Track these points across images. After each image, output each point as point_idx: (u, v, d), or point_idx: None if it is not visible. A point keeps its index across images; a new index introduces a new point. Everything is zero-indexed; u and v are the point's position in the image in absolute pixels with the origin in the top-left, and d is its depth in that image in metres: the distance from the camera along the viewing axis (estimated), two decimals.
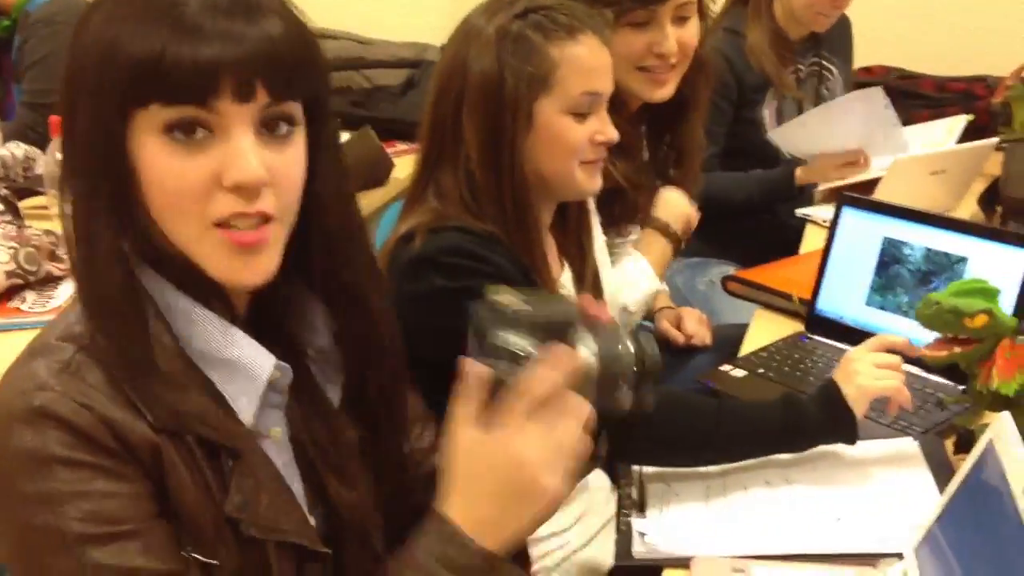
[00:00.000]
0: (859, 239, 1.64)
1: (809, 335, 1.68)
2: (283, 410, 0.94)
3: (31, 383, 0.83)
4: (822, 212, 2.23)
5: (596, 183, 1.41)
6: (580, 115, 1.35)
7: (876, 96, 2.30)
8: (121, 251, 0.85)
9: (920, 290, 1.56)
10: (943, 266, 1.54)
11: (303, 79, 0.85)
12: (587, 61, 1.34)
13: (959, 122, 2.40)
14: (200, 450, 0.86)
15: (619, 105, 1.74)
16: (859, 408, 1.29)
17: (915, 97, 2.84)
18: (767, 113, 2.43)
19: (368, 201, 2.38)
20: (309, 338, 0.96)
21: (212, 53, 0.80)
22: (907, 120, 2.63)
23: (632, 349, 0.89)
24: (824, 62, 2.51)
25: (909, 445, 1.36)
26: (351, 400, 0.98)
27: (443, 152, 1.37)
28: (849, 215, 1.66)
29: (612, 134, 1.38)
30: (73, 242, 0.86)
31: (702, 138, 1.86)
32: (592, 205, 1.57)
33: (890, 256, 1.60)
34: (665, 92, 1.71)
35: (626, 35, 1.66)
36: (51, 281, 1.88)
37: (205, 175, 0.82)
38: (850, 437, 1.31)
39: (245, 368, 0.90)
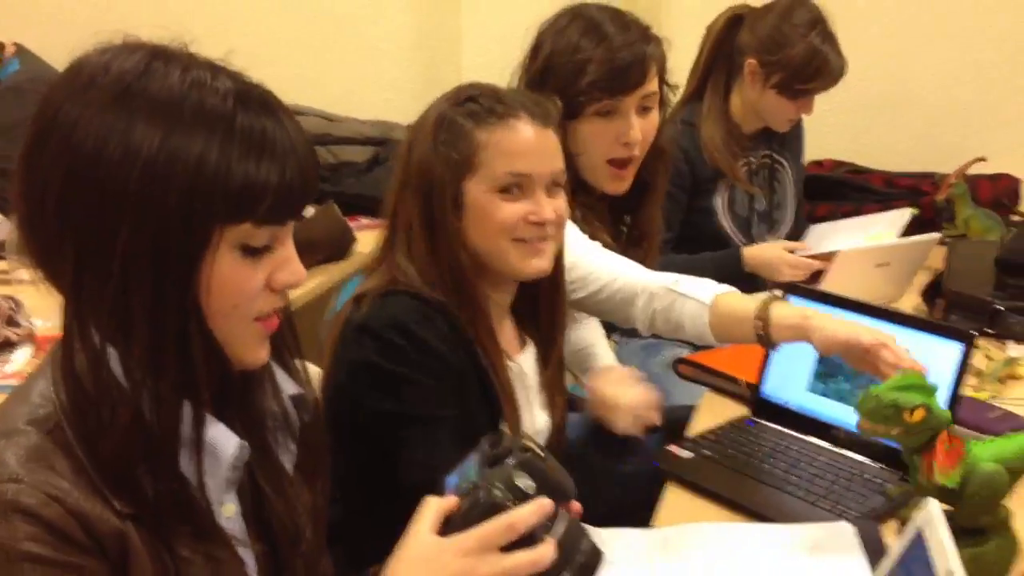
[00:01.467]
0: None
1: (755, 419, 1.72)
2: (236, 486, 0.97)
3: (1, 472, 0.84)
4: None
5: (535, 264, 1.44)
6: (510, 194, 1.40)
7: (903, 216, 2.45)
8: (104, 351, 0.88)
9: (860, 378, 1.61)
10: None
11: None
12: (513, 143, 1.39)
13: (904, 215, 2.49)
14: (163, 536, 0.89)
15: (589, 188, 1.83)
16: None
17: (864, 191, 2.94)
18: (719, 201, 2.51)
19: (330, 275, 2.42)
20: (268, 407, 1.00)
21: (299, 176, 0.88)
22: (856, 213, 2.74)
23: (591, 546, 1.00)
24: (775, 154, 2.60)
25: (846, 530, 1.39)
26: (302, 463, 1.03)
27: (397, 230, 1.45)
28: (795, 303, 1.71)
29: (547, 214, 1.41)
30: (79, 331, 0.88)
31: (660, 221, 1.94)
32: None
33: None
34: (624, 186, 1.82)
35: (593, 125, 1.75)
36: (8, 346, 1.89)
37: (263, 281, 0.90)
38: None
39: (214, 450, 0.94)
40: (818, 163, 3.05)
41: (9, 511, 0.83)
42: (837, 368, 1.64)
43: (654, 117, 1.84)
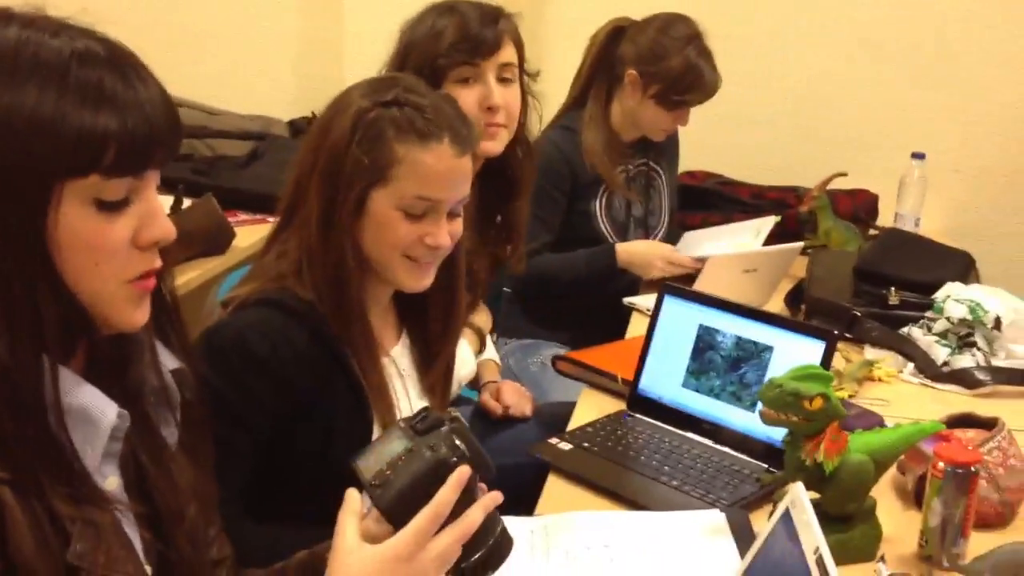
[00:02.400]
0: (678, 326, 1.76)
1: (631, 413, 1.78)
2: (118, 458, 0.96)
3: None
4: (646, 301, 2.37)
5: (421, 282, 1.45)
6: (413, 215, 1.40)
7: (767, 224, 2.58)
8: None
9: (730, 375, 1.69)
10: (751, 353, 1.67)
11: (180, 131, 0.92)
12: (429, 167, 1.38)
13: (768, 223, 2.61)
14: (40, 499, 0.87)
15: None
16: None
17: (733, 202, 3.06)
18: (597, 205, 2.58)
19: (207, 268, 2.38)
20: (147, 379, 0.99)
21: (154, 118, 0.85)
22: (725, 222, 2.86)
23: (503, 528, 1.07)
24: (652, 163, 2.69)
25: (716, 517, 1.46)
26: (185, 440, 1.02)
27: (295, 212, 1.44)
28: (670, 303, 1.79)
29: (442, 241, 1.41)
30: None
31: (527, 218, 1.99)
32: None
33: (705, 343, 1.73)
34: (497, 146, 1.85)
35: (455, 92, 1.76)
36: None
37: (126, 236, 0.87)
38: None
39: (87, 416, 0.92)
40: (691, 174, 3.16)
41: None
42: (709, 365, 1.72)
43: (515, 91, 1.89)
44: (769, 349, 1.66)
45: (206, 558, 1.04)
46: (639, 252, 2.51)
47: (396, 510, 1.01)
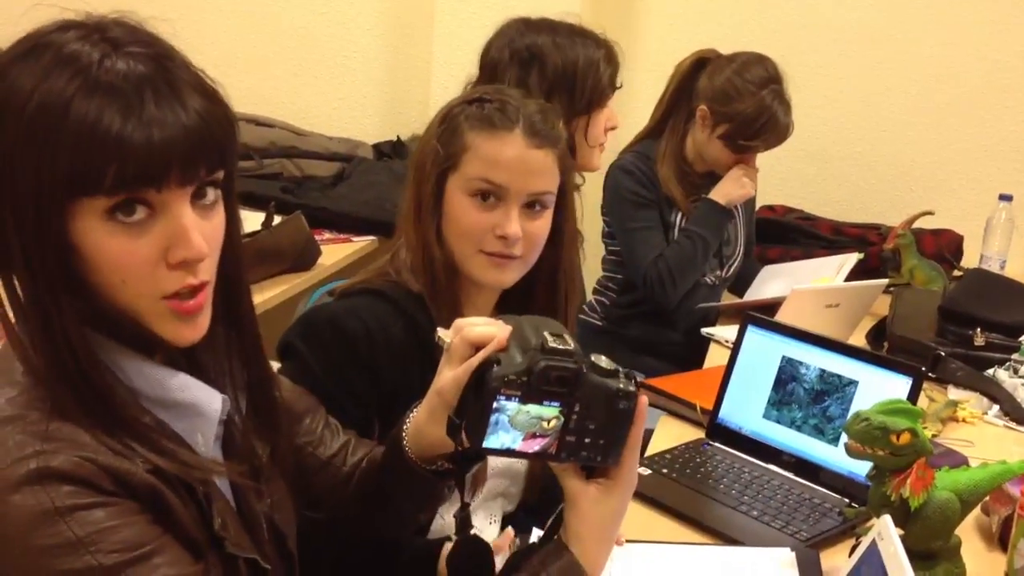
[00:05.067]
0: (761, 356, 1.76)
1: (710, 442, 1.78)
2: (220, 440, 1.02)
3: (15, 453, 0.85)
4: (725, 332, 2.37)
5: (497, 277, 1.46)
6: (484, 202, 1.42)
7: (849, 261, 2.58)
8: (78, 325, 0.89)
9: (812, 408, 1.68)
10: (835, 387, 1.67)
11: (230, 149, 0.92)
12: (494, 151, 1.41)
13: (850, 259, 2.59)
14: (180, 484, 0.93)
15: None
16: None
17: (813, 237, 3.04)
18: (676, 219, 2.61)
19: (294, 283, 2.44)
20: (225, 367, 1.04)
21: (162, 140, 0.84)
22: (805, 257, 2.85)
23: None
24: None
25: (785, 555, 1.44)
26: (254, 417, 1.07)
27: (405, 218, 1.50)
28: (753, 334, 1.79)
29: (511, 230, 1.41)
30: (15, 314, 0.90)
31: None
32: None
33: (787, 374, 1.72)
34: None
35: (598, 115, 2.02)
36: None
37: (152, 255, 0.88)
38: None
39: (198, 408, 0.98)
40: (770, 208, 3.16)
41: (43, 477, 0.84)
42: (791, 397, 1.71)
43: None
44: (854, 383, 1.65)
45: (288, 517, 1.11)
46: (727, 186, 2.57)
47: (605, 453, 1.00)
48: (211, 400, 0.99)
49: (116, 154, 0.83)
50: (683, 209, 2.59)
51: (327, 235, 2.82)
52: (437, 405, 1.08)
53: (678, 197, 2.58)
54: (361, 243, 2.80)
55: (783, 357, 1.73)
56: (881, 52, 3.22)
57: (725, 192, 2.56)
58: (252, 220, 2.59)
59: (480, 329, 1.05)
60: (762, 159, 2.66)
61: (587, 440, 0.99)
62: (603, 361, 1.00)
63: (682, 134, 2.60)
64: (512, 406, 0.96)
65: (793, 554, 1.43)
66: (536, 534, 1.42)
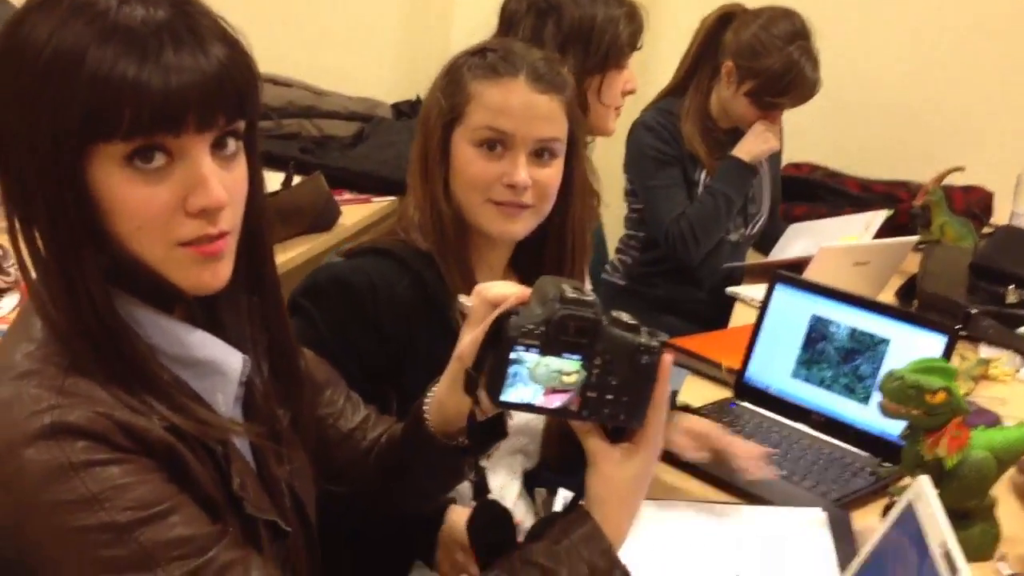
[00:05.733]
0: (789, 315, 1.73)
1: (738, 401, 1.76)
2: (240, 401, 1.00)
3: (30, 406, 0.84)
4: (749, 291, 2.34)
5: (508, 228, 1.43)
6: (491, 152, 1.40)
7: (878, 218, 2.53)
8: (100, 279, 0.87)
9: (843, 367, 1.65)
10: (866, 346, 1.63)
11: (252, 98, 0.90)
12: (499, 98, 1.38)
13: (879, 216, 2.54)
14: (198, 443, 0.91)
15: None
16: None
17: (840, 195, 2.99)
18: (700, 177, 2.56)
19: (314, 244, 2.42)
20: (246, 330, 1.02)
21: (178, 85, 0.82)
22: (832, 215, 2.80)
23: None
24: None
25: (816, 514, 1.42)
26: (275, 382, 1.05)
27: (410, 178, 1.48)
28: (781, 292, 1.75)
29: (519, 178, 1.38)
30: (35, 269, 0.88)
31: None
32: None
33: (817, 333, 1.69)
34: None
35: (614, 76, 1.90)
36: None
37: (170, 202, 0.86)
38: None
39: (217, 367, 0.96)
40: (796, 166, 3.10)
41: (58, 432, 0.82)
42: (821, 356, 1.68)
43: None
44: (885, 342, 1.61)
45: (308, 485, 1.09)
46: (750, 142, 2.52)
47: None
48: (231, 359, 0.97)
49: (132, 98, 0.81)
50: (707, 167, 2.55)
51: (347, 195, 2.79)
52: (458, 372, 1.05)
53: (702, 154, 2.53)
54: (381, 203, 2.77)
55: (813, 316, 1.70)
56: (910, 4, 3.14)
57: (748, 148, 2.52)
58: (272, 180, 2.57)
59: (500, 288, 1.03)
60: (787, 116, 2.61)
61: (609, 397, 0.96)
62: (624, 316, 0.98)
63: (707, 90, 2.55)
64: (531, 358, 0.93)
65: (824, 514, 1.41)
66: (564, 495, 1.40)
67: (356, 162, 2.90)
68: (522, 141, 1.40)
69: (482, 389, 0.98)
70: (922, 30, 3.15)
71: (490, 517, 1.06)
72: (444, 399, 1.10)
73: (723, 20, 2.54)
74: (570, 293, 0.95)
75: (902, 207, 2.77)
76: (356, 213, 2.68)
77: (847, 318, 1.66)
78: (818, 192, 3.01)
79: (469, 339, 1.03)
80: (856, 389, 1.63)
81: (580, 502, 1.01)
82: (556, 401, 0.95)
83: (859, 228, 2.53)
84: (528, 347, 0.94)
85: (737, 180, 2.51)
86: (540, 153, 1.42)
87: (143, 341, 0.91)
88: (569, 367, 0.95)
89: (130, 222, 0.86)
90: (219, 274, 0.92)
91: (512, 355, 0.93)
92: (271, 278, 1.03)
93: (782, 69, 2.42)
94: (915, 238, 2.41)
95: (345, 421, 1.22)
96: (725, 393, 1.81)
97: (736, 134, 2.57)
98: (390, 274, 1.41)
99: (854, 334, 1.65)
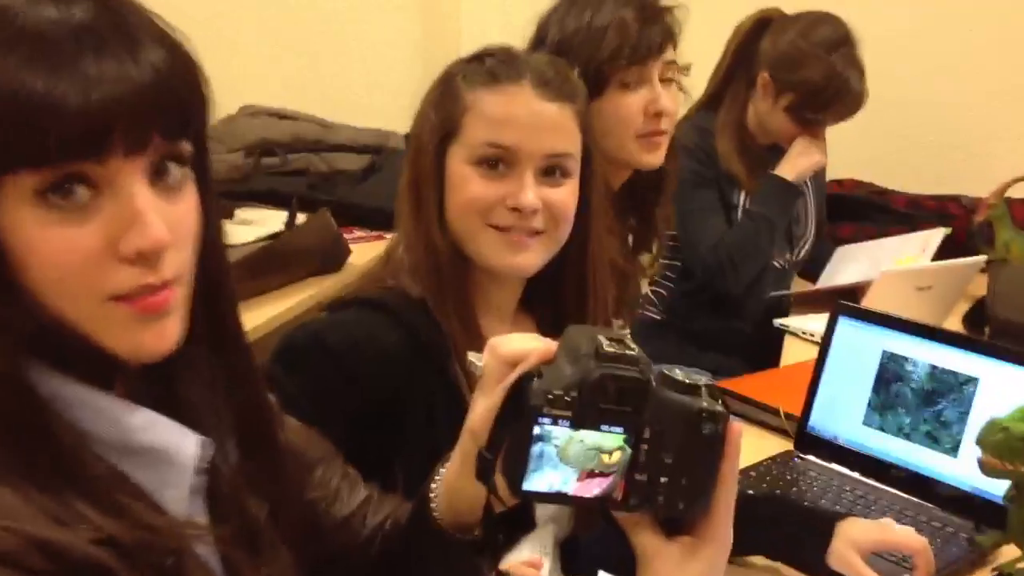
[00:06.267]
0: (856, 352, 1.52)
1: (801, 455, 1.54)
2: (203, 495, 0.80)
3: None
4: (800, 323, 2.13)
5: (513, 260, 1.21)
6: (492, 170, 1.19)
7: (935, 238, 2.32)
8: (11, 348, 0.69)
9: (923, 411, 1.43)
10: (949, 386, 1.42)
11: (196, 113, 0.74)
12: (499, 109, 1.19)
13: (936, 235, 2.34)
14: (141, 556, 0.71)
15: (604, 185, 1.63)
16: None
17: (888, 212, 2.78)
18: (739, 199, 2.34)
19: (323, 286, 2.23)
20: (211, 404, 0.82)
21: (100, 99, 0.66)
22: (881, 235, 2.58)
23: None
24: None
25: None
26: (248, 466, 0.85)
27: (398, 213, 1.27)
28: (846, 326, 1.54)
29: (526, 200, 1.18)
30: None
31: (670, 218, 1.80)
32: None
33: (890, 372, 1.47)
34: (659, 158, 1.64)
35: (619, 98, 1.58)
36: None
37: (98, 246, 0.69)
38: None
39: (166, 454, 0.77)
40: (838, 182, 2.89)
41: None
42: (896, 400, 1.46)
43: (675, 91, 1.67)
44: (973, 381, 1.40)
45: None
46: (794, 158, 2.29)
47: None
48: (184, 443, 0.77)
49: (42, 117, 0.65)
50: (746, 187, 2.33)
51: (358, 232, 2.61)
52: (470, 451, 0.84)
53: (740, 174, 2.32)
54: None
55: (884, 352, 1.48)
56: (962, 7, 2.93)
57: (792, 166, 2.30)
58: (275, 220, 2.40)
59: (518, 343, 0.82)
60: (827, 131, 2.40)
61: (663, 480, 0.76)
62: (678, 372, 0.77)
63: (743, 103, 2.34)
64: (561, 433, 0.73)
65: None
66: None
67: (367, 197, 2.72)
68: (528, 157, 1.19)
69: (500, 475, 0.77)
70: (971, 31, 2.94)
71: None
72: (454, 484, 0.90)
73: (760, 26, 2.33)
74: (608, 347, 0.75)
75: (958, 223, 2.56)
76: (368, 251, 2.48)
77: (925, 354, 1.45)
78: (863, 210, 2.80)
79: (482, 409, 0.83)
80: (941, 438, 1.41)
81: None
82: (594, 488, 0.75)
83: (915, 249, 2.33)
84: (556, 419, 0.74)
85: (780, 202, 2.29)
86: (550, 171, 1.21)
87: (71, 427, 0.72)
88: (610, 443, 0.75)
89: (48, 273, 0.68)
90: (165, 335, 0.73)
91: (536, 430, 0.73)
92: (236, 334, 0.84)
93: (823, 81, 2.22)
94: (982, 258, 2.19)
95: (341, 505, 1.03)
96: (785, 444, 1.59)
97: (777, 151, 2.35)
98: (376, 328, 1.20)
99: (934, 373, 1.43)
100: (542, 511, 1.30)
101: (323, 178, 2.80)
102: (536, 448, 0.74)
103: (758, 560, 1.30)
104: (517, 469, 0.74)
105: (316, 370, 1.19)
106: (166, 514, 0.75)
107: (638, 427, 0.75)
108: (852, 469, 1.48)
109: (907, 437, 1.44)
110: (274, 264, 2.16)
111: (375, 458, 1.15)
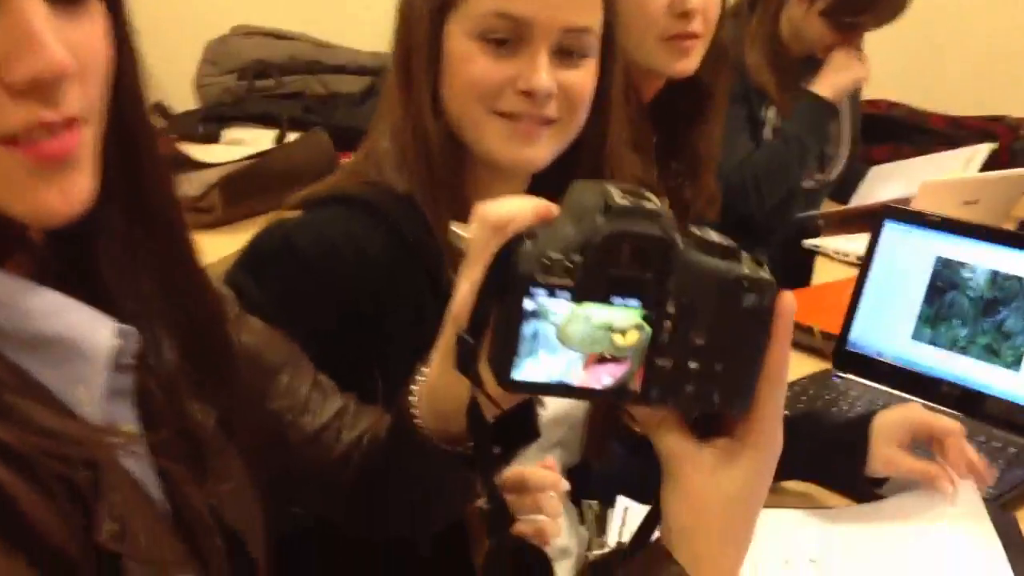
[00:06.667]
0: (905, 260, 1.35)
1: (840, 373, 1.38)
2: (131, 397, 0.65)
3: None
4: (833, 243, 1.97)
5: (521, 152, 1.04)
6: (500, 48, 1.01)
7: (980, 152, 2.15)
8: None
9: (982, 322, 1.27)
10: (1014, 293, 1.25)
11: None
12: None
13: (981, 151, 2.16)
14: (47, 469, 0.56)
15: (628, 94, 1.43)
16: None
17: (926, 132, 2.59)
18: (767, 116, 2.15)
19: None
20: (130, 284, 0.66)
21: None
22: (921, 155, 2.40)
23: None
24: None
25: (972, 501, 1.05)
26: (191, 365, 0.69)
27: (383, 96, 1.10)
28: (892, 231, 1.37)
29: (539, 82, 1.00)
30: None
31: (720, 143, 1.55)
32: None
33: (944, 281, 1.31)
34: (690, 64, 1.42)
35: None
36: None
37: None
38: None
39: (75, 345, 0.60)
40: (872, 102, 2.69)
41: None
42: (951, 311, 1.29)
43: None
44: None
45: (245, 510, 0.73)
46: (832, 73, 2.11)
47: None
48: (96, 330, 0.61)
49: None
50: (777, 102, 2.14)
51: None
52: (454, 340, 0.68)
53: (771, 88, 2.13)
54: None
55: (937, 258, 1.31)
56: None
57: (830, 81, 2.11)
58: (267, 139, 2.24)
59: (510, 205, 0.65)
60: None
61: (693, 366, 0.59)
62: (712, 234, 0.60)
63: (775, 10, 2.14)
64: (560, 308, 0.57)
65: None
66: (624, 506, 1.03)
67: (366, 120, 2.47)
68: (543, 32, 1.00)
69: (484, 364, 0.61)
70: None
71: (517, 566, 0.70)
72: (437, 384, 0.74)
73: None
74: (621, 199, 0.58)
75: (1003, 142, 2.37)
76: None
77: (984, 258, 1.28)
78: (900, 130, 2.61)
79: (467, 288, 0.66)
80: (1002, 351, 1.24)
81: (656, 535, 0.64)
82: (605, 377, 0.58)
83: (959, 165, 2.15)
84: (554, 290, 0.57)
85: (815, 122, 2.11)
86: (567, 53, 1.03)
87: None
88: (624, 320, 0.58)
89: None
90: (72, 192, 0.58)
91: (528, 304, 0.57)
92: (165, 204, 0.68)
93: None
94: None
95: (311, 417, 0.87)
96: (822, 364, 1.43)
97: (812, 63, 2.16)
98: (356, 229, 1.02)
99: (996, 279, 1.26)
100: (547, 436, 1.14)
101: (320, 101, 2.64)
102: (529, 327, 0.57)
103: (790, 485, 1.15)
104: (505, 354, 0.58)
105: (286, 278, 1.02)
106: (76, 419, 0.60)
107: (660, 299, 0.58)
108: (897, 388, 1.32)
109: (963, 351, 1.28)
110: (260, 183, 2.00)
111: (354, 373, 0.99)
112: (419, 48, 1.03)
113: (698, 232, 0.60)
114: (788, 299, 0.59)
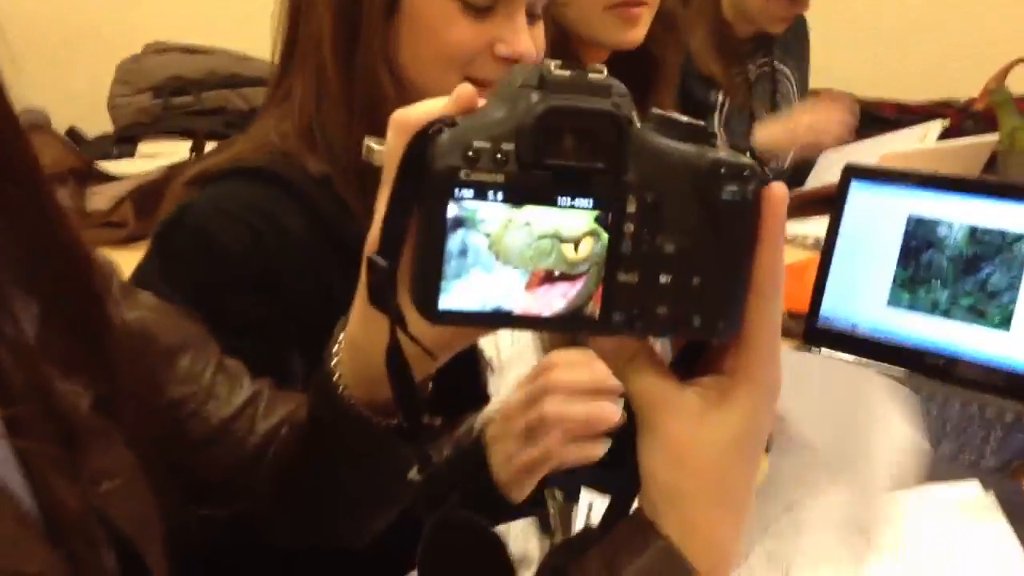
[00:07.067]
0: (874, 221, 1.24)
1: (814, 349, 1.26)
2: None
3: None
4: (790, 228, 1.86)
5: None
6: (475, 9, 0.90)
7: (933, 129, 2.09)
8: None
9: (964, 282, 1.16)
10: (996, 247, 1.14)
11: None
12: None
13: (933, 127, 2.09)
14: None
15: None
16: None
17: (877, 120, 2.52)
18: (715, 123, 2.05)
19: None
20: None
21: None
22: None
23: None
24: (777, 63, 2.16)
25: (976, 494, 0.94)
26: (58, 337, 0.57)
27: (297, 46, 0.95)
28: (859, 192, 1.26)
29: (521, 46, 0.91)
30: None
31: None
32: None
33: (919, 240, 1.20)
34: (637, 35, 1.31)
35: None
36: None
37: None
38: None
39: None
40: (817, 93, 2.63)
41: None
42: (928, 271, 1.19)
43: None
44: (1022, 238, 1.12)
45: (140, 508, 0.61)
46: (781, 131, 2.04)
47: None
48: None
49: None
50: (726, 87, 2.05)
51: None
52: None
53: (718, 73, 2.03)
54: None
55: (909, 216, 1.21)
56: None
57: (776, 137, 2.05)
58: (184, 151, 2.10)
59: (431, 104, 0.53)
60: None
61: (664, 280, 0.46)
62: (684, 117, 0.47)
63: None
64: (493, 213, 0.44)
65: (989, 492, 0.92)
66: (589, 501, 0.90)
67: None
68: None
69: (404, 294, 0.47)
70: None
71: (460, 546, 0.56)
72: (356, 334, 0.60)
73: None
74: (558, 69, 0.45)
75: (954, 117, 2.30)
76: None
77: (961, 213, 1.17)
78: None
79: (382, 207, 0.53)
80: (988, 311, 1.14)
81: (636, 507, 0.51)
82: (555, 299, 0.45)
83: (914, 142, 2.06)
84: (484, 189, 0.43)
85: None
86: (531, 13, 0.94)
87: None
88: (574, 225, 0.44)
89: None
90: None
91: (453, 209, 0.43)
92: (20, 155, 0.55)
93: None
94: (993, 137, 1.93)
95: (218, 404, 0.75)
96: (792, 343, 1.31)
97: (759, 40, 2.07)
98: (272, 207, 0.89)
99: (975, 234, 1.16)
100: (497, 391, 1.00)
101: (241, 116, 2.50)
102: (455, 240, 0.44)
103: None
104: (427, 277, 0.44)
105: (207, 275, 0.88)
106: None
107: (617, 196, 0.45)
108: (876, 360, 1.20)
109: (945, 314, 1.17)
110: (179, 198, 1.86)
111: (276, 363, 0.85)
112: (374, 8, 0.90)
113: (660, 113, 0.47)
114: (778, 189, 0.47)
